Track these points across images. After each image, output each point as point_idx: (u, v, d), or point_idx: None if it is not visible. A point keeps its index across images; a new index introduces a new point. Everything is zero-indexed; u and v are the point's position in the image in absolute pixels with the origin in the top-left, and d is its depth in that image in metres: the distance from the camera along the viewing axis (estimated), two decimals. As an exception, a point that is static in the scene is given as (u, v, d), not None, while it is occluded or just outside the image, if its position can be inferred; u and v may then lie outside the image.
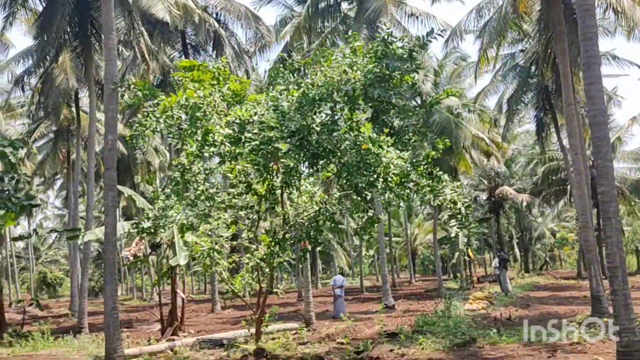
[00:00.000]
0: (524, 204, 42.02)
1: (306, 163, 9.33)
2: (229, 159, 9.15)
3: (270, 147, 8.62)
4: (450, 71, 31.92)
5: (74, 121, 27.64)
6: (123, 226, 16.08)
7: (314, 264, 36.59)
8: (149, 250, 17.27)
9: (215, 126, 8.83)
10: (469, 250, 32.75)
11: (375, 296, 31.17)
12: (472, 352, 9.43)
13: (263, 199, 11.06)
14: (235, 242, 13.80)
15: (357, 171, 9.15)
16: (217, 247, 12.01)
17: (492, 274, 43.45)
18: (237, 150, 8.84)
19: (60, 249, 69.79)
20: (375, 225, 10.55)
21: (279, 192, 10.88)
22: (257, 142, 8.57)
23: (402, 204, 10.30)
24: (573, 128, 14.46)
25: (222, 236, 12.14)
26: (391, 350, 10.16)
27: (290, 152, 8.81)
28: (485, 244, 50.54)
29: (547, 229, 52.16)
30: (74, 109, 27.11)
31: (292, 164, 8.83)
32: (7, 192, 12.87)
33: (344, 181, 9.71)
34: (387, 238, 45.78)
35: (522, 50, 26.95)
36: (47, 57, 20.90)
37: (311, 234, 9.72)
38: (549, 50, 21.67)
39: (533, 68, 26.44)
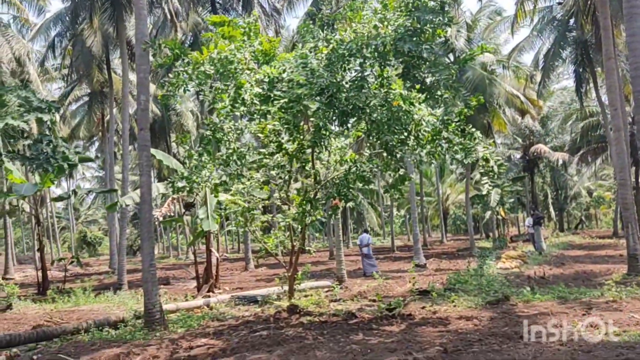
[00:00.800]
0: (560, 162, 41.15)
1: (336, 121, 9.22)
2: (259, 118, 9.11)
3: (299, 105, 8.55)
4: (484, 26, 30.90)
5: (107, 83, 27.97)
6: (158, 187, 16.36)
7: (345, 223, 36.73)
8: (183, 210, 17.58)
9: (246, 83, 8.78)
10: (501, 209, 32.38)
11: (406, 255, 31.30)
12: (504, 310, 9.40)
13: (294, 159, 11.07)
14: (267, 202, 13.89)
15: (387, 129, 9.06)
16: (250, 205, 12.16)
17: (525, 233, 43.09)
18: (267, 109, 8.79)
19: (99, 209, 71.86)
20: (406, 183, 10.47)
21: (309, 151, 10.88)
22: (286, 100, 8.51)
23: (433, 162, 10.15)
24: (612, 82, 13.89)
25: (255, 196, 12.25)
26: (423, 307, 10.22)
27: (319, 110, 8.73)
28: (519, 203, 49.94)
29: (584, 187, 51.11)
30: (105, 72, 27.39)
31: (321, 123, 8.75)
32: (45, 153, 13.16)
33: (374, 139, 9.62)
34: (419, 198, 45.64)
35: (559, 3, 25.92)
36: (79, 19, 21.01)
37: (341, 191, 9.70)
38: (589, 2, 20.78)
39: (572, 21, 25.48)
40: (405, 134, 9.37)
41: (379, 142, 9.59)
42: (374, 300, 11.84)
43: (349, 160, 10.91)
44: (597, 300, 9.60)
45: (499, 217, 32.63)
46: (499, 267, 16.01)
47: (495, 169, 9.57)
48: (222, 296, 13.55)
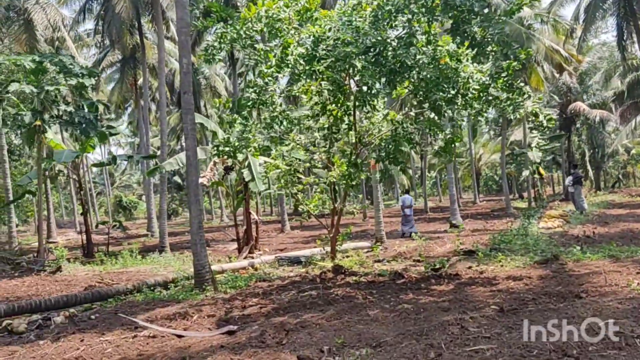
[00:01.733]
0: (597, 119, 40.05)
1: (382, 80, 9.06)
2: (305, 78, 9.01)
3: (346, 63, 8.42)
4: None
5: (139, 48, 28.04)
6: (205, 151, 16.48)
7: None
8: (222, 173, 17.73)
9: (293, 42, 8.66)
10: (540, 167, 31.82)
11: (440, 216, 31.22)
12: (555, 269, 9.31)
13: (338, 120, 11.00)
14: (307, 165, 13.90)
15: (436, 87, 8.89)
16: (292, 168, 12.18)
17: (560, 193, 42.42)
18: (313, 68, 8.68)
19: (133, 174, 73.20)
20: (456, 144, 10.33)
21: (352, 112, 10.79)
22: (333, 59, 8.38)
23: (480, 119, 9.95)
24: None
25: (297, 158, 12.25)
26: (469, 267, 10.20)
27: (366, 68, 8.59)
28: (554, 162, 49.05)
29: (621, 145, 49.75)
30: (137, 37, 27.42)
31: (369, 81, 8.61)
32: (88, 119, 13.34)
33: (422, 98, 9.46)
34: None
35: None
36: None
37: (391, 153, 9.62)
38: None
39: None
40: (454, 92, 9.18)
41: (426, 101, 9.42)
42: (418, 261, 11.88)
43: (393, 120, 10.77)
44: (655, 259, 9.43)
45: (536, 176, 32.02)
46: (541, 226, 15.83)
47: (545, 122, 9.37)
48: (266, 257, 13.77)
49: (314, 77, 9.02)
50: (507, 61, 9.42)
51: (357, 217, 32.07)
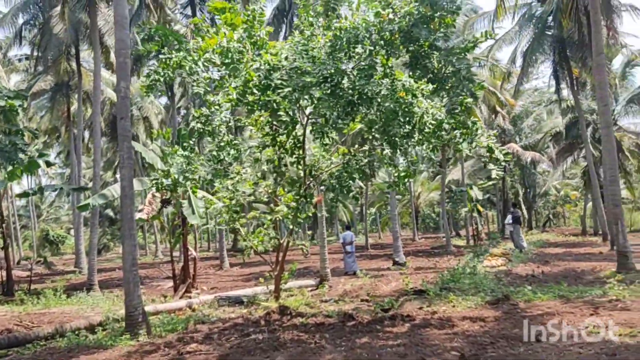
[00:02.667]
0: (529, 160, 41.63)
1: (339, 112, 8.71)
2: (259, 108, 8.52)
3: (303, 93, 8.02)
4: (462, 23, 30.83)
5: (74, 75, 26.82)
6: (141, 182, 15.61)
7: (315, 221, 36.21)
8: (160, 207, 16.81)
9: (255, 75, 8.21)
10: (478, 205, 32.43)
11: (381, 253, 31.03)
12: (507, 310, 9.07)
13: (287, 152, 10.55)
14: (252, 198, 13.31)
15: (394, 120, 8.63)
16: (236, 203, 11.59)
17: (495, 231, 43.43)
18: (268, 99, 8.23)
19: (61, 207, 69.62)
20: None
21: (302, 144, 10.40)
22: (290, 89, 7.97)
23: (432, 155, 9.78)
24: (602, 78, 13.78)
25: (240, 192, 11.65)
26: (420, 308, 9.82)
27: (323, 99, 8.22)
28: (488, 202, 50.39)
29: (552, 186, 51.91)
30: (73, 63, 26.25)
31: (327, 112, 8.22)
32: (16, 145, 12.28)
33: (378, 132, 9.17)
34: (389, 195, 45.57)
35: (539, 0, 25.99)
36: (48, 6, 19.93)
37: (342, 184, 9.22)
38: (571, -1, 20.80)
39: (549, 19, 25.57)
40: (409, 127, 8.97)
41: (384, 135, 9.13)
42: (366, 300, 11.42)
43: (345, 154, 10.43)
44: (600, 299, 9.37)
45: (475, 214, 32.57)
46: (485, 265, 15.79)
47: (501, 157, 9.27)
48: (205, 297, 12.91)
49: (268, 106, 8.55)
50: (461, 97, 9.36)
51: (297, 253, 31.41)
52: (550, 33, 25.76)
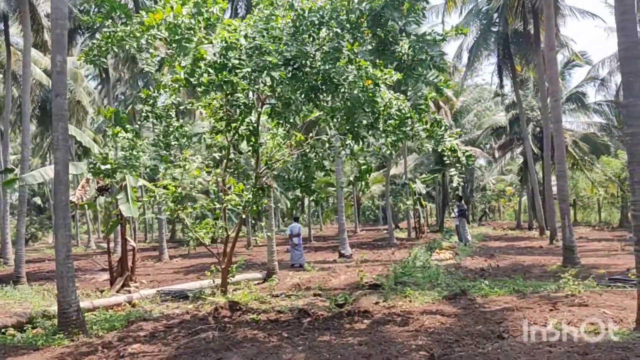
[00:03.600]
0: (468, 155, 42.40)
1: (301, 97, 8.16)
2: (214, 90, 7.84)
3: (264, 74, 7.42)
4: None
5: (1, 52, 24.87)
6: (76, 167, 14.53)
7: (258, 213, 35.50)
8: (96, 194, 15.73)
9: (206, 53, 7.51)
10: (421, 199, 32.74)
11: (325, 245, 30.77)
12: (465, 305, 8.87)
13: (242, 139, 9.92)
14: (201, 187, 12.62)
15: (361, 108, 8.17)
16: (182, 192, 10.87)
17: (433, 224, 44.24)
18: (224, 79, 7.57)
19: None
20: (370, 174, 9.65)
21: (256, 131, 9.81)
22: (249, 69, 7.35)
23: (393, 150, 9.42)
24: (553, 73, 13.91)
25: (188, 180, 10.92)
26: (376, 303, 9.48)
27: (285, 83, 7.66)
28: (428, 196, 51.19)
29: (489, 181, 53.37)
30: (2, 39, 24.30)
31: (290, 97, 7.66)
32: None
33: (342, 121, 8.69)
34: (334, 188, 45.46)
35: (485, -5, 26.36)
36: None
37: (302, 182, 8.69)
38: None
39: (495, 15, 25.94)
40: (374, 117, 8.57)
41: (346, 124, 8.68)
42: (319, 295, 10.99)
43: (304, 143, 9.92)
44: (556, 294, 9.33)
45: (418, 207, 32.86)
46: (433, 258, 15.71)
47: (463, 159, 9.00)
48: (146, 291, 12.10)
49: (224, 88, 7.88)
50: (427, 91, 9.09)
51: (238, 244, 30.64)
52: (495, 29, 26.16)
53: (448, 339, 6.87)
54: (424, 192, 32.29)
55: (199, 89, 7.57)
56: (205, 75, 7.35)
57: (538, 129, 36.83)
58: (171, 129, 8.98)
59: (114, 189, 14.78)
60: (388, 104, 8.77)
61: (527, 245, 21.93)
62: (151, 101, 8.73)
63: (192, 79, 7.63)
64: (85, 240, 45.54)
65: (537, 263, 14.84)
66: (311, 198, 8.76)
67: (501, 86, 29.04)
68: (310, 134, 11.72)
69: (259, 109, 9.55)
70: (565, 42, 29.43)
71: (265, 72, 7.03)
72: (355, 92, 7.64)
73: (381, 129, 8.71)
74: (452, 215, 22.24)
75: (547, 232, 28.53)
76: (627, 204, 38.38)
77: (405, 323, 7.89)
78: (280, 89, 7.61)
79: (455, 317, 8.13)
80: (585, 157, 36.85)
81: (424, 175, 35.70)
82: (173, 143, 8.98)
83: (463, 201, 26.37)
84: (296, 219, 20.02)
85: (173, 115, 9.10)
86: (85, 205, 16.69)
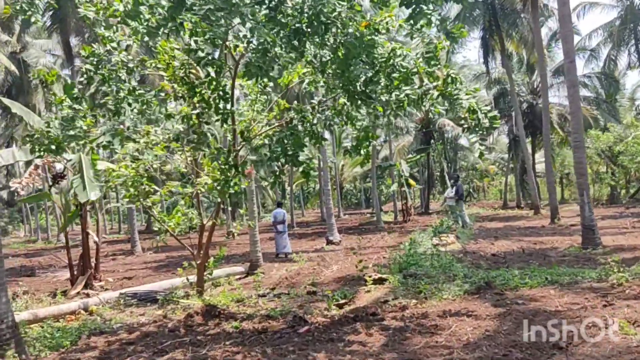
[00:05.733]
0: (458, 134, 41.01)
1: (284, 44, 6.34)
2: (166, 33, 5.97)
3: (232, 14, 5.61)
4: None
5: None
6: (14, 153, 12.60)
7: (236, 198, 33.60)
8: (50, 182, 13.76)
9: None
10: (409, 179, 31.21)
11: (309, 232, 29.17)
12: (495, 302, 7.24)
13: (211, 107, 8.09)
14: (168, 168, 10.77)
15: (357, 57, 6.45)
16: (145, 173, 9.03)
17: (417, 206, 42.85)
18: (179, 20, 5.74)
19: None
20: (372, 141, 7.90)
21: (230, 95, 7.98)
22: (211, 7, 5.53)
23: (404, 112, 7.72)
24: (568, 31, 12.29)
25: (150, 158, 9.06)
26: (385, 302, 7.81)
27: (259, 27, 5.86)
28: (411, 177, 49.77)
29: (475, 160, 52.12)
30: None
31: (268, 45, 5.84)
32: None
33: (336, 76, 6.93)
34: (316, 173, 43.79)
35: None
36: None
37: (288, 151, 6.92)
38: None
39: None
40: (376, 69, 6.86)
41: (340, 79, 6.93)
42: (313, 292, 9.27)
43: (293, 108, 8.11)
44: (600, 284, 7.77)
45: (405, 189, 31.30)
46: (435, 243, 14.10)
47: (486, 122, 7.32)
48: (107, 294, 10.24)
49: (180, 33, 6.03)
50: (437, 41, 7.43)
51: (217, 234, 28.80)
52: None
53: (494, 354, 5.22)
54: (407, 173, 30.73)
55: (149, 33, 5.72)
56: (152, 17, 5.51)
57: (525, 104, 35.56)
58: (121, 95, 7.12)
59: (71, 175, 12.86)
60: (391, 53, 7.09)
61: (527, 225, 20.51)
62: (95, 60, 6.87)
63: (132, 20, 5.79)
64: (57, 233, 43.25)
65: (550, 245, 13.34)
66: (299, 169, 6.99)
67: (486, 61, 27.57)
68: (295, 102, 9.93)
69: (232, 68, 7.75)
70: (552, 11, 27.99)
71: (233, 11, 5.21)
72: (351, 31, 5.93)
73: (382, 83, 7.03)
74: (447, 195, 20.64)
75: (543, 211, 27.32)
76: (617, 180, 37.45)
77: (430, 331, 6.22)
78: (256, 33, 5.79)
79: (490, 319, 6.49)
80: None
81: (410, 155, 34.21)
82: (125, 113, 7.13)
83: (460, 181, 24.80)
84: (279, 204, 18.27)
85: (124, 78, 7.25)
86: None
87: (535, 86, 35.59)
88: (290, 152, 6.90)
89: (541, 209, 27.23)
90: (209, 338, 6.72)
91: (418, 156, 33.90)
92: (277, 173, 7.32)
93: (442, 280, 8.67)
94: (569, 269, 8.95)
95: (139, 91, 7.78)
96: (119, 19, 6.38)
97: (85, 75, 7.08)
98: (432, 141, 42.95)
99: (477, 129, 7.40)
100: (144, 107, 7.97)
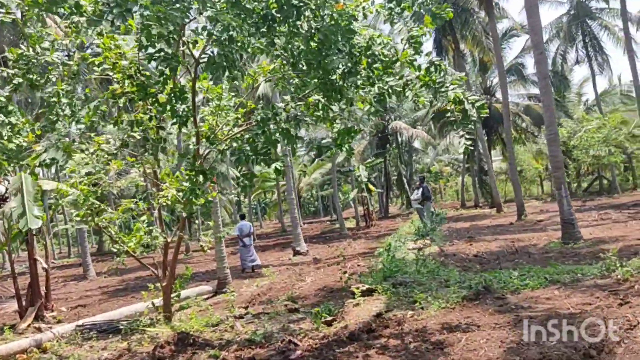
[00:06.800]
0: (410, 137, 41.01)
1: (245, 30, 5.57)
2: (113, 19, 5.08)
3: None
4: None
5: None
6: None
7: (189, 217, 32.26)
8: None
9: None
10: (369, 184, 30.77)
11: (272, 243, 28.31)
12: (498, 308, 6.63)
13: (164, 109, 7.20)
14: (122, 183, 9.75)
15: (334, 45, 5.76)
16: (98, 190, 8.05)
17: (377, 211, 42.59)
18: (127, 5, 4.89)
19: None
20: (355, 136, 7.17)
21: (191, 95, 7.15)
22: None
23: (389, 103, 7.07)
24: (536, 22, 11.99)
25: (102, 171, 8.08)
26: (377, 315, 7.06)
27: (221, 12, 5.09)
28: (368, 181, 49.55)
29: (430, 162, 52.42)
30: None
31: (232, 33, 5.05)
32: None
33: (312, 65, 6.20)
34: (273, 183, 42.96)
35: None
36: None
37: (258, 150, 6.14)
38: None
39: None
40: (355, 58, 6.19)
41: (316, 71, 6.20)
42: (295, 309, 8.46)
43: (254, 108, 7.32)
44: (604, 281, 7.28)
45: (366, 194, 30.87)
46: (410, 247, 13.53)
47: (473, 113, 6.72)
48: (61, 327, 9.07)
49: (127, 18, 5.16)
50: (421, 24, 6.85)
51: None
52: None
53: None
54: (365, 179, 30.32)
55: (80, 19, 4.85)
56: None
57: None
58: (53, 100, 6.19)
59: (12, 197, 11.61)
60: (370, 42, 6.46)
61: (495, 223, 20.30)
62: (26, 61, 5.91)
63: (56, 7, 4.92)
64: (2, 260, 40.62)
65: (528, 242, 12.98)
66: (272, 167, 6.20)
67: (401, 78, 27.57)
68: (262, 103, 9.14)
69: (190, 66, 6.92)
70: (504, 10, 28.32)
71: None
72: (327, 14, 5.26)
73: (363, 74, 6.38)
74: (414, 197, 20.14)
75: (505, 209, 27.35)
76: (572, 175, 38.18)
77: (439, 347, 5.53)
78: (219, 18, 5.00)
79: (500, 328, 5.85)
80: (528, 130, 36.20)
81: (368, 160, 33.86)
82: (60, 119, 6.18)
83: (426, 182, 24.39)
84: (243, 217, 17.38)
85: (67, 84, 6.31)
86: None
87: (488, 85, 35.92)
88: (262, 151, 6.13)
89: (503, 206, 27.26)
90: (185, 373, 5.84)
91: (377, 160, 33.51)
92: (249, 175, 6.49)
93: (435, 287, 8.02)
94: (567, 267, 8.49)
95: (92, 105, 6.84)
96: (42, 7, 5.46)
97: (10, 82, 6.09)
98: (388, 145, 42.84)
99: (464, 121, 6.81)
100: (90, 113, 7.03)
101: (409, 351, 5.54)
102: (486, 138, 37.13)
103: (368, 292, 8.05)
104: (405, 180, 47.43)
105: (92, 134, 8.18)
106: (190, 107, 7.19)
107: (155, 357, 6.58)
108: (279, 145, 8.34)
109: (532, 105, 34.61)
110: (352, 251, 17.61)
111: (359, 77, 6.42)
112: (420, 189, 19.26)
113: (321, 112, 6.89)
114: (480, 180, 38.09)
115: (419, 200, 19.31)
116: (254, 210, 62.99)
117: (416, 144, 48.90)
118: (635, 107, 39.36)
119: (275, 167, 6.26)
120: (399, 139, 43.56)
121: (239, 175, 6.84)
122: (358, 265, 12.93)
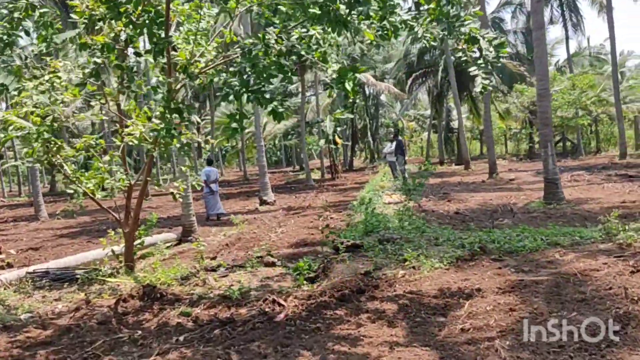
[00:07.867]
0: (377, 90, 40.29)
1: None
2: None
3: None
4: None
5: None
6: None
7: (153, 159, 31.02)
8: None
9: None
10: (336, 136, 30.07)
11: (235, 192, 27.44)
12: (500, 271, 6.12)
13: (140, 32, 6.23)
14: (83, 117, 8.69)
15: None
16: (52, 122, 7.06)
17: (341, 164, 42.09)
18: None
19: None
20: (357, 74, 6.35)
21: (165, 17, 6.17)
22: None
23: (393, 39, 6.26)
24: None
25: (59, 101, 7.07)
26: (365, 274, 6.47)
27: None
28: (334, 133, 48.85)
29: (395, 117, 51.93)
30: None
31: None
32: None
33: None
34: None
35: None
36: None
37: (251, 86, 5.27)
38: None
39: None
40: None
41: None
42: (271, 263, 7.79)
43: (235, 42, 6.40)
44: (606, 245, 6.86)
45: (332, 146, 30.20)
46: (386, 201, 12.98)
47: (491, 52, 6.01)
48: (10, 274, 8.15)
49: None
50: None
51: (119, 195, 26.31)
52: None
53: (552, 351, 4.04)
54: (330, 131, 29.58)
55: None
56: None
57: (453, 58, 35.14)
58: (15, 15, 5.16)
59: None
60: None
61: (466, 180, 20.01)
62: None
63: None
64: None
65: (507, 201, 12.62)
66: (267, 109, 5.40)
67: (418, 7, 26.56)
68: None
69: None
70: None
71: None
72: None
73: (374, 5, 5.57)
74: (387, 150, 19.51)
75: (472, 167, 27.21)
76: (535, 135, 38.32)
77: (441, 313, 4.99)
78: None
79: (502, 294, 5.34)
80: (499, 88, 35.86)
81: (338, 111, 33.00)
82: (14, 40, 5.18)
83: (400, 136, 23.75)
84: (210, 162, 16.42)
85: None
86: None
87: (462, 40, 35.19)
88: (254, 87, 5.28)
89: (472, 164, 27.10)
90: (153, 333, 5.13)
91: (347, 111, 32.71)
92: (240, 116, 5.63)
93: (425, 245, 7.47)
94: (562, 229, 8.06)
95: (41, 10, 5.77)
96: None
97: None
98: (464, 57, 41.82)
99: (480, 62, 6.08)
100: (49, 32, 6.00)
101: (410, 317, 4.96)
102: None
103: (353, 248, 7.44)
104: (370, 134, 46.92)
105: (48, 58, 7.11)
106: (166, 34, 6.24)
107: (118, 312, 5.84)
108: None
109: (505, 62, 34.14)
110: (321, 203, 17.01)
111: (368, 6, 5.55)
112: (394, 142, 18.66)
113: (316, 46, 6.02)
114: (446, 137, 37.88)
115: (392, 154, 18.73)
116: (215, 157, 61.70)
117: (383, 97, 48.29)
118: (603, 70, 39.64)
119: (273, 109, 5.43)
120: (367, 92, 42.84)
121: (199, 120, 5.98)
122: (331, 218, 12.34)
